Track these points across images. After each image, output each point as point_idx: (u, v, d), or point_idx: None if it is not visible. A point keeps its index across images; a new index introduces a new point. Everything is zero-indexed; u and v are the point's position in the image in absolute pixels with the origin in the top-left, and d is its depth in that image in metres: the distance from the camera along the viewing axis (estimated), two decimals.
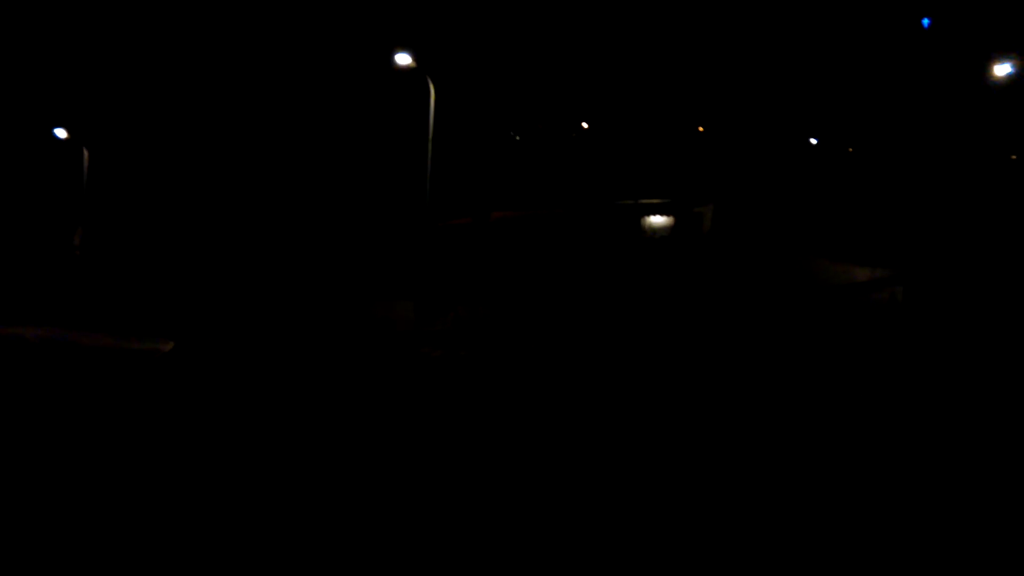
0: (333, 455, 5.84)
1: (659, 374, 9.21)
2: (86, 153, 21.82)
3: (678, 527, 4.56)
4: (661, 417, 7.24)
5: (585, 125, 30.32)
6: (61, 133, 22.11)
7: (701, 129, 30.08)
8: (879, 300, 13.02)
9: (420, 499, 4.85)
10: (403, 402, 7.59)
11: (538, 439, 6.42)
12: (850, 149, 29.25)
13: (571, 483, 5.29)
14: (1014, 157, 20.61)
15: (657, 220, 23.41)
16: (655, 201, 23.94)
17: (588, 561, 3.94)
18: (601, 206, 23.46)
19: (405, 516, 4.51)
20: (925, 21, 23.67)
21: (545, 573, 3.88)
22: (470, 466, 5.66)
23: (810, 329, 11.40)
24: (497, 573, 3.89)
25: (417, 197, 16.55)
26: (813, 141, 28.64)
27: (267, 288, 15.34)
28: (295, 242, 20.71)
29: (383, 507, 4.66)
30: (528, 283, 15.09)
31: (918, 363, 8.79)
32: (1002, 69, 17.70)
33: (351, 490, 5.07)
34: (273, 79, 27.09)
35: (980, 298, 12.26)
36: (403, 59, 15.19)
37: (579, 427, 6.91)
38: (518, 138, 29.65)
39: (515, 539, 4.24)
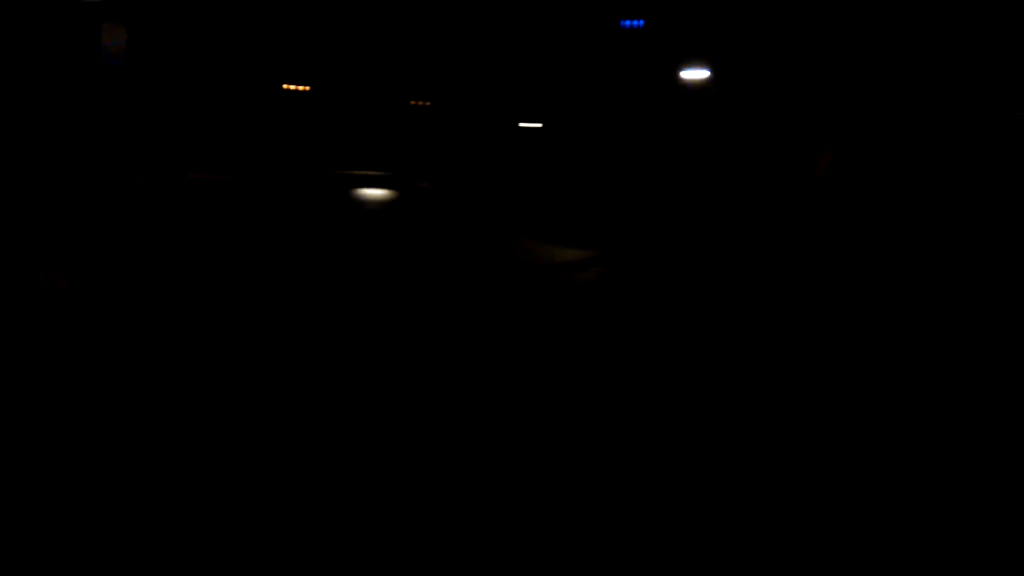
0: None
1: (360, 349, 8.33)
2: None
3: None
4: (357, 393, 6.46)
5: (307, 87, 28.47)
6: None
7: (424, 103, 29.56)
8: (584, 279, 13.22)
9: None
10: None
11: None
12: (560, 135, 30.25)
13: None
14: (695, 154, 22.18)
15: (376, 193, 22.41)
16: (375, 173, 23.04)
17: None
18: (315, 174, 22.09)
19: None
20: (626, 23, 24.86)
21: None
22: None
23: (511, 307, 11.20)
24: None
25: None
26: (527, 125, 29.26)
27: None
28: None
29: None
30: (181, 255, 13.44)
31: (616, 339, 8.96)
32: (693, 73, 19.09)
33: None
34: None
35: (669, 279, 13.01)
36: None
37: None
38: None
39: None
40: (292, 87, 26.87)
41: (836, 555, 4.18)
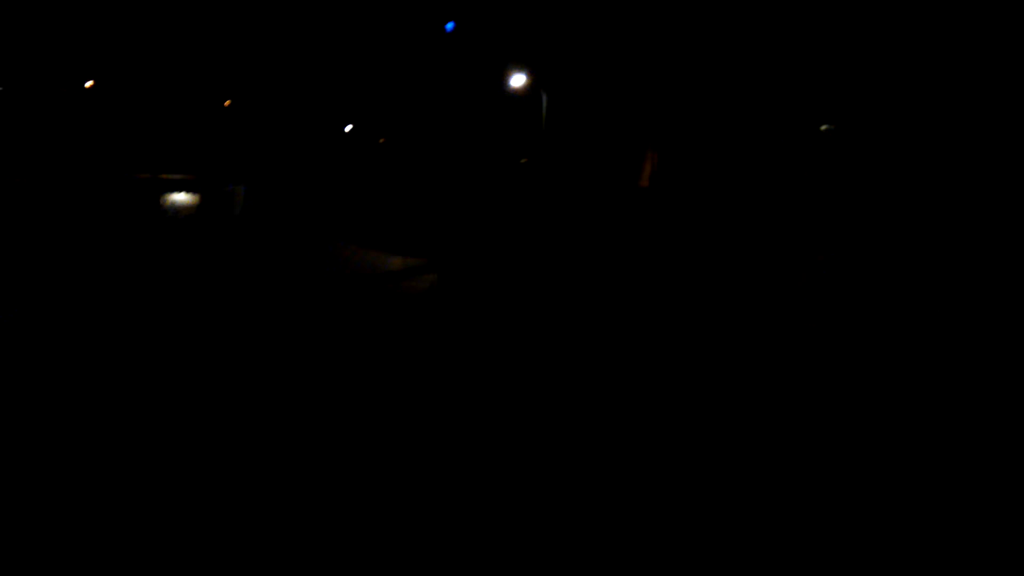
0: None
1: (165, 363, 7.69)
2: None
3: None
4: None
5: (89, 84, 26.00)
6: None
7: (228, 103, 27.96)
8: (414, 288, 12.99)
9: None
10: None
11: None
12: (382, 140, 29.84)
13: None
14: (524, 160, 22.63)
15: (181, 198, 20.77)
16: (179, 177, 21.34)
17: None
18: (112, 179, 20.11)
19: None
20: (449, 25, 25.03)
21: None
22: None
23: (341, 314, 10.88)
24: None
25: None
26: (348, 129, 28.56)
27: None
28: None
29: None
30: None
31: (449, 346, 9.00)
32: (517, 79, 19.36)
33: None
34: None
35: (500, 288, 13.19)
36: None
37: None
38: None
39: None
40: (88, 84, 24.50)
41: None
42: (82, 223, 17.25)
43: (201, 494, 4.77)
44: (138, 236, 17.15)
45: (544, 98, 19.15)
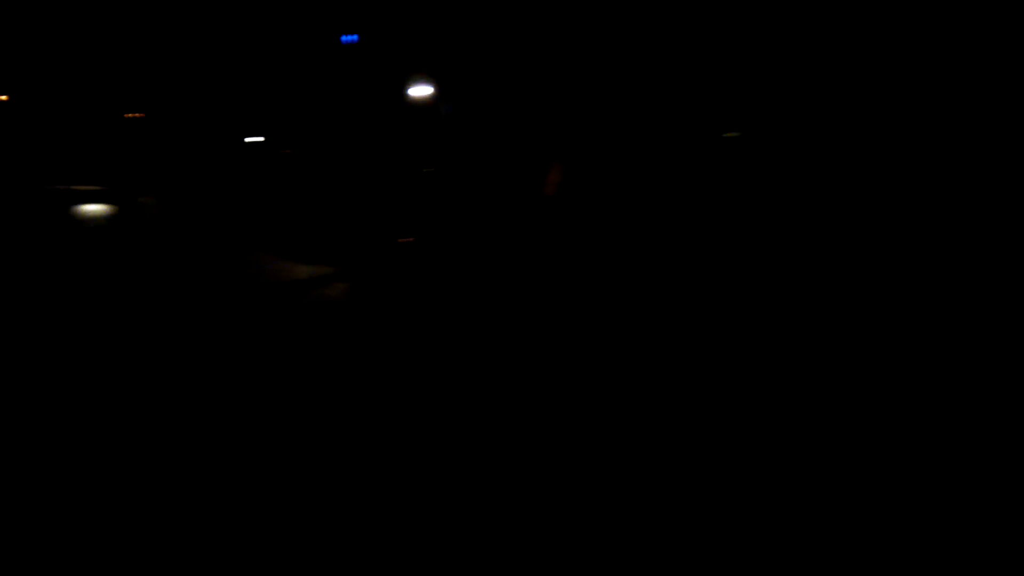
0: None
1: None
2: None
3: None
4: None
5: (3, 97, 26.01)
6: None
7: (138, 115, 28.19)
8: (330, 295, 13.74)
9: None
10: None
11: None
12: (288, 151, 30.28)
13: None
14: (426, 170, 23.56)
15: (95, 208, 21.32)
16: (92, 188, 21.90)
17: None
18: (28, 189, 20.54)
19: None
20: (350, 37, 25.53)
21: None
22: None
23: (253, 319, 11.43)
24: None
25: None
26: (257, 140, 29.13)
27: None
28: None
29: None
30: None
31: (372, 358, 9.34)
32: (419, 90, 20.65)
33: None
34: None
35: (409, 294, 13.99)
36: None
37: None
38: None
39: None
40: None
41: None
42: None
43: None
44: (50, 246, 17.36)
45: (446, 109, 20.23)
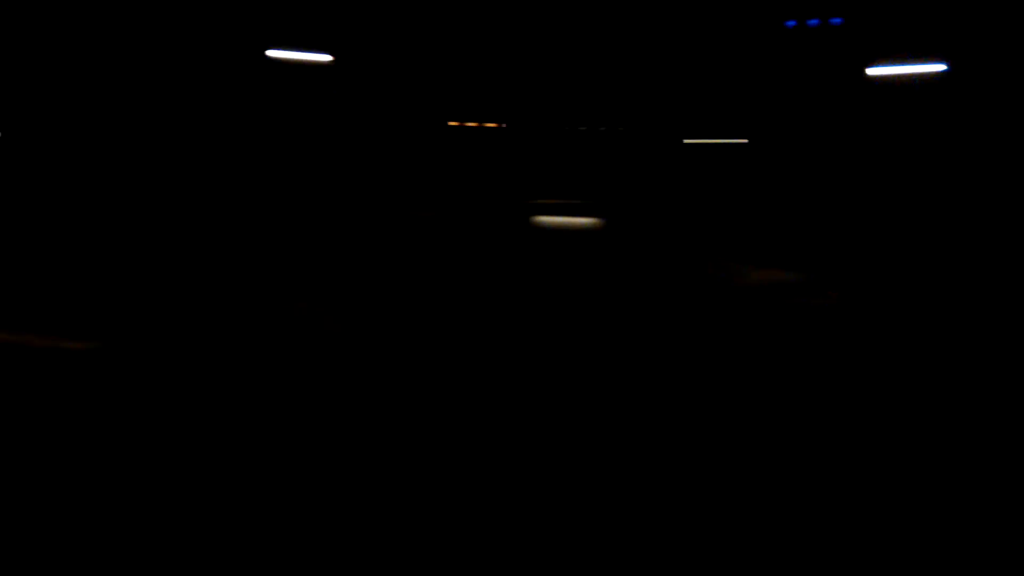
0: None
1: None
2: None
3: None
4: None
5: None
6: None
7: (585, 128, 29.98)
8: (814, 305, 13.00)
9: None
10: None
11: None
12: (762, 149, 29.69)
13: None
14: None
15: (580, 221, 23.06)
16: (573, 202, 23.71)
17: None
18: (512, 206, 23.06)
19: None
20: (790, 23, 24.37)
21: None
22: None
23: (752, 335, 11.14)
24: None
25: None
26: (715, 141, 29.01)
27: None
28: None
29: None
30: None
31: (872, 364, 8.66)
32: (879, 70, 18.47)
33: None
34: None
35: (922, 301, 12.34)
36: None
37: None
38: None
39: None
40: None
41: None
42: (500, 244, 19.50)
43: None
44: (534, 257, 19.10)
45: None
